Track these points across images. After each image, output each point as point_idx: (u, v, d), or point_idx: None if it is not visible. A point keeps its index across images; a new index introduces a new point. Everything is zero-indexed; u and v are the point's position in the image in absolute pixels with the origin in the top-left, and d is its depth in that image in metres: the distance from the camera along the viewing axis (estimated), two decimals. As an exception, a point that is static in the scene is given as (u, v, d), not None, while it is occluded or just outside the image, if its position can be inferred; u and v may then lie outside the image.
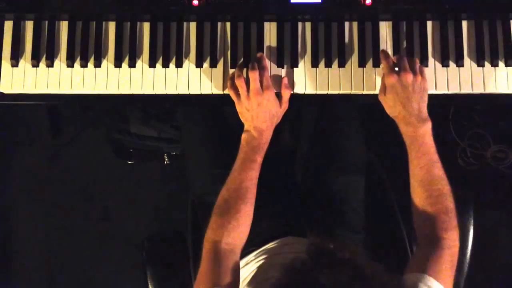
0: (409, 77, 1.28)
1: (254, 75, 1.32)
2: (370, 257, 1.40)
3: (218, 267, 1.20)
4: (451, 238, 1.22)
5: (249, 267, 1.35)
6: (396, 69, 1.31)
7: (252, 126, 1.32)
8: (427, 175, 1.25)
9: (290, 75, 1.39)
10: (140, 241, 1.55)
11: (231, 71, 1.39)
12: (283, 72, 1.39)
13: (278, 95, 1.36)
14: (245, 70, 1.37)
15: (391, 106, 1.31)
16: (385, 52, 1.35)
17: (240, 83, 1.33)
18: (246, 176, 1.29)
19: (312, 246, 1.03)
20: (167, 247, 1.55)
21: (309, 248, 1.03)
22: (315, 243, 1.03)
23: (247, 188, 1.28)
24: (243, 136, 1.33)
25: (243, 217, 1.27)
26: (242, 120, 1.35)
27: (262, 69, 1.34)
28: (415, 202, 1.27)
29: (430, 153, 1.27)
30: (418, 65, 1.32)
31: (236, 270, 1.23)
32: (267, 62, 1.37)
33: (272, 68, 1.39)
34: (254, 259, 1.36)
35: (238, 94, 1.34)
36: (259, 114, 1.31)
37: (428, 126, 1.28)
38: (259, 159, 1.31)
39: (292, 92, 1.38)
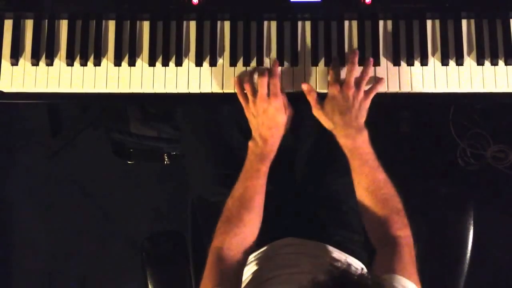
0: (351, 91, 1.31)
1: (262, 81, 1.32)
2: (369, 257, 1.41)
3: (217, 270, 1.21)
4: (406, 235, 1.25)
5: (249, 268, 1.35)
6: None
7: (258, 133, 1.33)
8: (372, 181, 1.28)
9: (290, 75, 1.39)
10: (140, 241, 1.55)
11: (230, 70, 1.39)
12: (282, 71, 1.39)
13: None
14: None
15: (328, 118, 1.33)
16: (336, 61, 1.36)
17: (247, 88, 1.34)
18: (250, 185, 1.30)
19: (334, 268, 1.03)
20: (167, 247, 1.55)
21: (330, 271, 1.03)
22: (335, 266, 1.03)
23: (251, 197, 1.29)
24: (249, 144, 1.34)
25: (247, 226, 1.28)
26: (250, 126, 1.35)
27: (272, 75, 1.33)
28: (365, 209, 1.30)
29: (371, 160, 1.30)
30: (364, 82, 1.33)
31: (237, 273, 1.24)
32: (278, 69, 1.36)
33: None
34: (254, 260, 1.36)
35: (247, 100, 1.34)
36: (264, 121, 1.32)
37: (365, 135, 1.30)
38: (264, 168, 1.32)
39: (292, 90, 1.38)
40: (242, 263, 1.27)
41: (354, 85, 1.31)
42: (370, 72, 1.35)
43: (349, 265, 1.22)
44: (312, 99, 1.35)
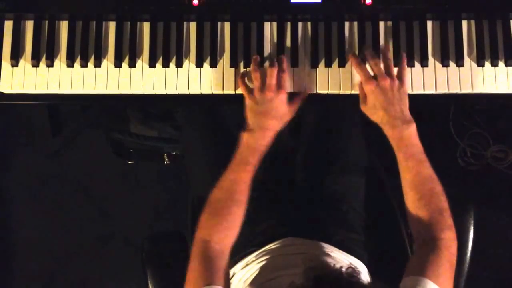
0: (387, 81, 1.29)
1: (272, 72, 1.32)
2: (369, 257, 1.42)
3: (209, 266, 1.19)
4: (448, 238, 1.21)
5: (250, 268, 1.35)
6: (372, 74, 1.32)
7: (257, 123, 1.31)
8: (417, 176, 1.26)
9: (290, 75, 1.39)
10: (140, 241, 1.55)
11: (231, 71, 1.39)
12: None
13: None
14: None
15: (373, 113, 1.32)
16: (358, 60, 1.35)
17: (256, 75, 1.33)
18: (240, 177, 1.29)
19: (310, 270, 1.02)
20: (167, 247, 1.55)
21: (307, 272, 1.03)
22: (312, 267, 1.03)
23: (240, 190, 1.28)
24: (243, 134, 1.32)
25: (234, 219, 1.27)
26: (248, 117, 1.33)
27: (282, 69, 1.34)
28: (408, 205, 1.28)
29: (417, 153, 1.28)
30: (393, 69, 1.32)
31: (226, 270, 1.23)
32: (286, 64, 1.36)
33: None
34: (255, 259, 1.36)
35: (249, 89, 1.34)
36: (268, 110, 1.31)
37: (413, 128, 1.29)
38: (255, 162, 1.31)
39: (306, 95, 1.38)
40: (228, 258, 1.25)
41: (387, 76, 1.30)
42: (391, 57, 1.34)
43: (327, 265, 1.22)
44: (360, 96, 1.35)
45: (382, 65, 1.32)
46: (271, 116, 1.31)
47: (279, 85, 1.32)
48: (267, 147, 1.32)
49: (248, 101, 1.34)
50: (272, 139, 1.33)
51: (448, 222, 1.23)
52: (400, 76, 1.32)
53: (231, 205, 1.27)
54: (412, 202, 1.26)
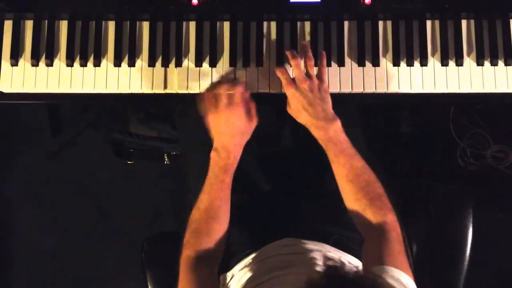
0: (306, 83, 1.31)
1: (222, 90, 1.32)
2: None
3: (193, 279, 1.22)
4: (392, 220, 1.25)
5: (245, 271, 1.34)
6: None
7: (220, 143, 1.32)
8: (351, 169, 1.28)
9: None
10: (140, 242, 1.55)
11: (230, 70, 1.39)
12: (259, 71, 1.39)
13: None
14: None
15: (298, 116, 1.33)
16: (279, 67, 1.36)
17: (209, 99, 1.33)
18: (215, 196, 1.30)
19: (331, 270, 1.02)
20: (167, 248, 1.55)
21: (328, 271, 1.03)
22: (333, 267, 1.03)
23: (217, 207, 1.30)
24: (211, 155, 1.33)
25: (216, 235, 1.29)
26: (211, 135, 1.34)
27: (235, 84, 1.33)
28: (347, 198, 1.30)
29: (347, 149, 1.30)
30: (313, 70, 1.33)
31: (212, 282, 1.25)
32: (241, 81, 1.36)
33: (271, 67, 1.39)
34: (252, 261, 1.36)
35: (208, 108, 1.34)
36: (227, 130, 1.32)
37: (337, 125, 1.30)
38: (227, 179, 1.32)
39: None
40: (214, 271, 1.28)
41: (306, 78, 1.32)
42: (311, 57, 1.34)
43: (343, 263, 1.23)
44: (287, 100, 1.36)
45: (303, 66, 1.33)
46: (231, 134, 1.32)
47: (234, 102, 1.31)
48: (237, 162, 1.33)
49: (207, 122, 1.35)
50: (239, 153, 1.34)
51: (388, 205, 1.26)
52: (320, 75, 1.34)
53: (211, 222, 1.29)
54: (351, 195, 1.29)
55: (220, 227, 1.30)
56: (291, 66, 1.35)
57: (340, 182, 1.31)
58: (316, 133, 1.31)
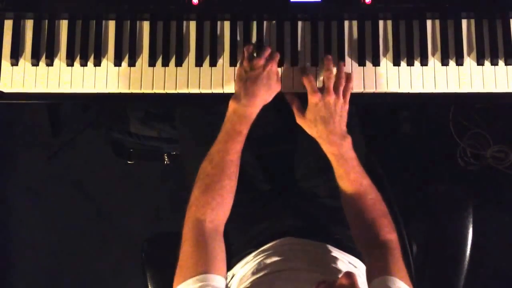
0: (331, 98, 1.32)
1: (265, 47, 1.34)
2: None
3: (204, 251, 1.16)
4: (395, 238, 1.26)
5: (246, 268, 1.35)
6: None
7: (245, 89, 1.30)
8: (359, 187, 1.29)
9: (290, 74, 1.39)
10: (140, 242, 1.55)
11: (230, 70, 1.39)
12: (282, 71, 1.39)
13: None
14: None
15: (312, 127, 1.34)
16: (307, 73, 1.36)
17: (247, 48, 1.35)
18: (231, 148, 1.27)
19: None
20: (167, 249, 1.55)
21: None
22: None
23: (231, 161, 1.27)
24: (230, 102, 1.31)
25: (228, 193, 1.25)
26: (237, 85, 1.33)
27: (273, 54, 1.35)
28: (352, 214, 1.31)
29: (356, 166, 1.31)
30: (342, 87, 1.34)
31: (222, 252, 1.20)
32: (278, 55, 1.37)
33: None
34: (253, 259, 1.36)
35: (242, 58, 1.35)
36: (258, 77, 1.31)
37: (348, 142, 1.32)
38: (245, 130, 1.30)
39: (282, 91, 1.38)
40: (222, 238, 1.23)
41: (333, 92, 1.32)
42: (344, 76, 1.36)
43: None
44: (294, 108, 1.36)
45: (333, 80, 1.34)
46: (259, 83, 1.31)
47: (272, 59, 1.33)
48: (255, 114, 1.32)
49: (238, 70, 1.35)
50: (260, 106, 1.32)
51: (391, 225, 1.28)
52: (345, 95, 1.34)
53: (223, 178, 1.25)
54: (356, 211, 1.29)
55: (230, 184, 1.26)
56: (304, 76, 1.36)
57: (346, 198, 1.31)
58: (328, 147, 1.32)
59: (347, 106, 1.35)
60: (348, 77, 1.36)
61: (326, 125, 1.31)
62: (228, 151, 1.27)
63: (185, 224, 1.21)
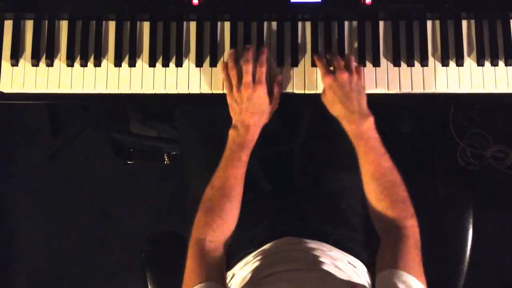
0: (344, 75, 1.31)
1: (246, 68, 1.32)
2: (369, 256, 1.41)
3: (203, 263, 1.20)
4: (412, 225, 1.23)
5: (247, 268, 1.35)
6: (332, 68, 1.34)
7: (240, 121, 1.32)
8: (378, 168, 1.27)
9: (290, 75, 1.39)
10: (140, 242, 1.55)
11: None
12: (283, 71, 1.39)
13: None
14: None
15: (332, 107, 1.33)
16: (318, 54, 1.37)
17: (232, 74, 1.34)
18: (231, 174, 1.29)
19: None
20: (167, 249, 1.55)
21: None
22: None
23: (231, 186, 1.28)
24: (230, 132, 1.33)
25: (228, 215, 1.27)
26: (231, 114, 1.35)
27: (259, 63, 1.34)
28: (370, 197, 1.29)
29: (377, 147, 1.29)
30: (353, 64, 1.34)
31: (221, 266, 1.23)
32: (265, 57, 1.36)
33: (272, 67, 1.39)
34: (253, 259, 1.36)
35: (231, 85, 1.34)
36: (248, 108, 1.31)
37: (370, 121, 1.29)
38: (245, 157, 1.31)
39: (283, 91, 1.38)
40: (224, 256, 1.26)
41: (345, 69, 1.32)
42: (352, 55, 1.36)
43: None
44: (323, 88, 1.36)
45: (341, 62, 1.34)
46: (251, 113, 1.31)
47: (257, 81, 1.32)
48: (255, 141, 1.33)
49: (228, 99, 1.35)
50: (258, 132, 1.33)
51: (410, 210, 1.25)
52: (358, 71, 1.34)
53: (223, 202, 1.27)
54: (374, 194, 1.27)
55: (232, 207, 1.28)
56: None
57: (365, 179, 1.29)
58: (348, 126, 1.31)
59: (362, 82, 1.34)
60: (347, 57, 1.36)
61: (343, 104, 1.30)
62: (228, 178, 1.29)
63: (189, 246, 1.25)
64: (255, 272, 1.30)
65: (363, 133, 1.29)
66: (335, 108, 1.32)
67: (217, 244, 1.25)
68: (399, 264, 1.14)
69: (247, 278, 1.30)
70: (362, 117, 1.29)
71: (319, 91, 1.39)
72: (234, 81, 1.33)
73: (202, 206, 1.29)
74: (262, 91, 1.32)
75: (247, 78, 1.32)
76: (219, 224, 1.26)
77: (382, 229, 1.27)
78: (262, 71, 1.33)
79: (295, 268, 1.26)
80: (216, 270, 1.21)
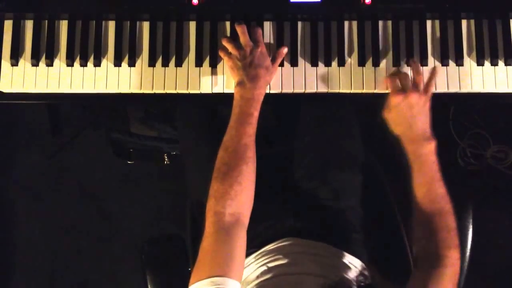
0: (415, 97, 1.29)
1: (242, 29, 1.34)
2: (368, 256, 1.41)
3: (224, 250, 1.13)
4: (453, 257, 1.20)
5: (248, 270, 1.34)
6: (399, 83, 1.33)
7: (245, 75, 1.30)
8: (429, 192, 1.26)
9: (290, 74, 1.39)
10: (140, 242, 1.54)
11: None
12: (282, 71, 1.39)
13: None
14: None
15: (396, 125, 1.32)
16: (392, 74, 1.36)
17: (230, 46, 1.35)
18: (244, 132, 1.25)
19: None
20: (167, 250, 1.55)
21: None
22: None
23: (246, 145, 1.24)
24: (236, 90, 1.30)
25: (246, 179, 1.21)
26: (233, 75, 1.34)
27: (254, 27, 1.36)
28: (417, 219, 1.27)
29: (432, 171, 1.27)
30: (422, 83, 1.32)
31: (242, 252, 1.16)
32: (261, 37, 1.37)
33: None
34: (254, 261, 1.36)
35: (228, 52, 1.36)
36: (253, 61, 1.31)
37: (432, 145, 1.28)
38: (255, 112, 1.28)
39: (283, 91, 1.39)
40: (244, 236, 1.18)
41: (415, 90, 1.30)
42: (421, 71, 1.34)
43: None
44: (387, 103, 1.34)
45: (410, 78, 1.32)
46: (256, 66, 1.31)
47: (255, 40, 1.34)
48: (263, 94, 1.31)
49: (229, 63, 1.35)
50: (266, 86, 1.33)
51: (455, 241, 1.22)
52: (427, 90, 1.32)
53: (240, 163, 1.22)
54: (421, 217, 1.26)
55: (249, 170, 1.23)
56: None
57: (415, 200, 1.28)
58: (409, 146, 1.29)
59: (429, 104, 1.31)
60: (432, 71, 1.34)
61: (408, 125, 1.29)
62: (242, 136, 1.24)
63: (206, 218, 1.18)
64: (257, 275, 1.30)
65: (422, 155, 1.27)
66: (399, 128, 1.31)
67: (237, 218, 1.17)
68: None
69: (249, 280, 1.30)
70: (425, 140, 1.28)
71: (319, 90, 1.39)
72: (232, 44, 1.35)
73: (217, 172, 1.22)
74: (263, 48, 1.34)
75: (245, 37, 1.34)
76: (238, 191, 1.19)
77: (420, 254, 1.24)
78: (259, 32, 1.35)
79: (298, 272, 1.26)
80: (237, 260, 1.12)
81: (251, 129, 1.26)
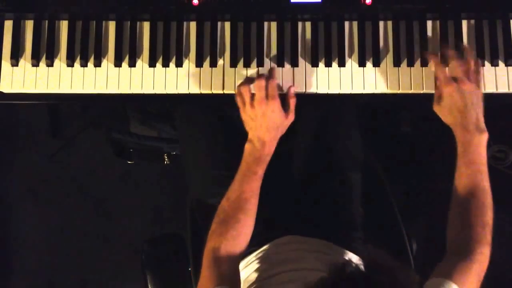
0: (467, 86, 1.28)
1: (260, 84, 1.31)
2: (369, 254, 1.41)
3: (217, 270, 1.20)
4: (484, 253, 1.21)
5: (250, 268, 1.35)
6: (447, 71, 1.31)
7: (256, 136, 1.31)
8: (472, 184, 1.25)
9: (290, 75, 1.39)
10: (140, 242, 1.55)
11: (231, 70, 1.39)
12: (283, 71, 1.39)
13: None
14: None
15: (448, 115, 1.30)
16: (437, 60, 1.34)
17: (244, 91, 1.32)
18: (247, 188, 1.29)
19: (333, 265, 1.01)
20: (167, 250, 1.55)
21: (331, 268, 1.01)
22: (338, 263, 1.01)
23: (246, 199, 1.28)
24: (246, 146, 1.32)
25: (242, 227, 1.27)
26: (246, 129, 1.34)
27: (270, 77, 1.33)
28: (453, 211, 1.26)
29: (479, 163, 1.26)
30: (473, 72, 1.31)
31: (235, 273, 1.23)
32: (275, 72, 1.36)
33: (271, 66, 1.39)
34: (255, 259, 1.36)
35: (244, 102, 1.33)
36: (263, 124, 1.30)
37: (484, 137, 1.27)
38: (260, 171, 1.31)
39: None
40: (238, 265, 1.27)
41: (468, 79, 1.29)
42: (472, 59, 1.33)
43: (347, 262, 1.21)
44: (435, 96, 1.34)
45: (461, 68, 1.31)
46: (266, 128, 1.31)
47: (270, 96, 1.30)
48: (271, 155, 1.33)
49: (242, 116, 1.34)
50: (274, 146, 1.33)
51: (488, 238, 1.23)
52: (478, 79, 1.31)
53: (238, 213, 1.27)
54: (458, 208, 1.25)
55: (248, 219, 1.28)
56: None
57: (456, 190, 1.27)
58: (461, 135, 1.28)
59: (481, 94, 1.30)
60: (477, 61, 1.33)
61: (462, 114, 1.27)
62: (244, 191, 1.29)
63: (204, 254, 1.25)
64: (259, 272, 1.30)
65: (471, 145, 1.26)
66: (452, 117, 1.30)
67: (231, 253, 1.24)
68: (454, 277, 1.12)
69: (251, 279, 1.30)
70: (477, 130, 1.27)
71: (319, 91, 1.39)
72: (247, 98, 1.32)
73: (217, 217, 1.29)
74: (275, 105, 1.31)
75: (260, 93, 1.30)
76: (234, 236, 1.25)
77: (452, 244, 1.24)
78: (273, 85, 1.32)
79: (301, 268, 1.26)
80: (229, 277, 1.20)
81: (255, 186, 1.30)
